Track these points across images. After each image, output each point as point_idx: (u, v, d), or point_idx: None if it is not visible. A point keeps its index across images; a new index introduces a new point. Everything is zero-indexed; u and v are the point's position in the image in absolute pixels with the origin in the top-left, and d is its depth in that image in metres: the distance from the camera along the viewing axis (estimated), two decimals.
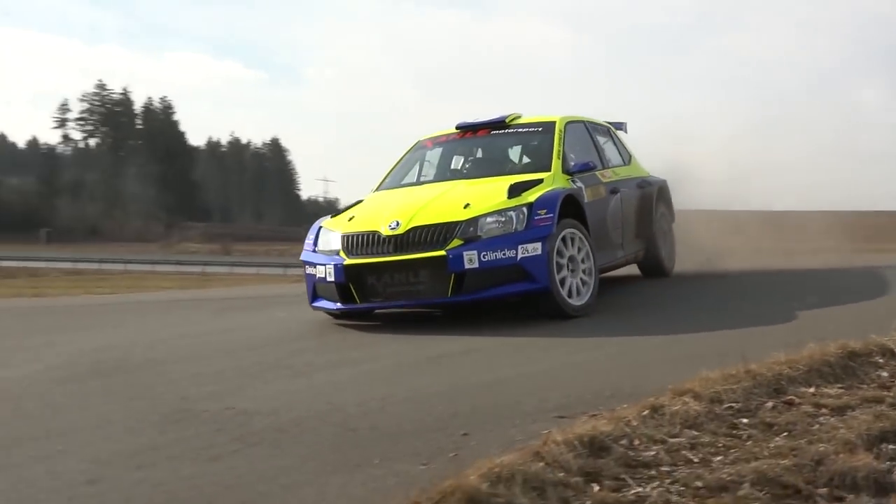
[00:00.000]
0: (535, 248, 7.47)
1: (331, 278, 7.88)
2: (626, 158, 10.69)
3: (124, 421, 4.92)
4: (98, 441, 4.54)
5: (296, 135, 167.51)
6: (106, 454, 4.27)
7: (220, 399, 5.28)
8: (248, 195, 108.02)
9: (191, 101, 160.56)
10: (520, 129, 9.42)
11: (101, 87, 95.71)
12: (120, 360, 6.87)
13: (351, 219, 8.20)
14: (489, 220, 7.58)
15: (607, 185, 9.39)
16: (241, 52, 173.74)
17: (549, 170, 8.58)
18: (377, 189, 9.37)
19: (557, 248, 7.65)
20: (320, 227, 8.36)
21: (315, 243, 8.25)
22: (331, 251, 8.02)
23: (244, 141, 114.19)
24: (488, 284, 7.44)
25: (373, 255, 7.73)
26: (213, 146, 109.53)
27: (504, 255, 7.43)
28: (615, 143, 10.59)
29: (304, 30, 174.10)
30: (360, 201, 8.82)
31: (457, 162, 9.47)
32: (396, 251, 7.63)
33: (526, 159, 9.17)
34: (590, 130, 9.95)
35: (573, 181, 8.59)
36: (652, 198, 10.50)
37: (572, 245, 7.85)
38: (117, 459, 4.18)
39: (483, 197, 7.90)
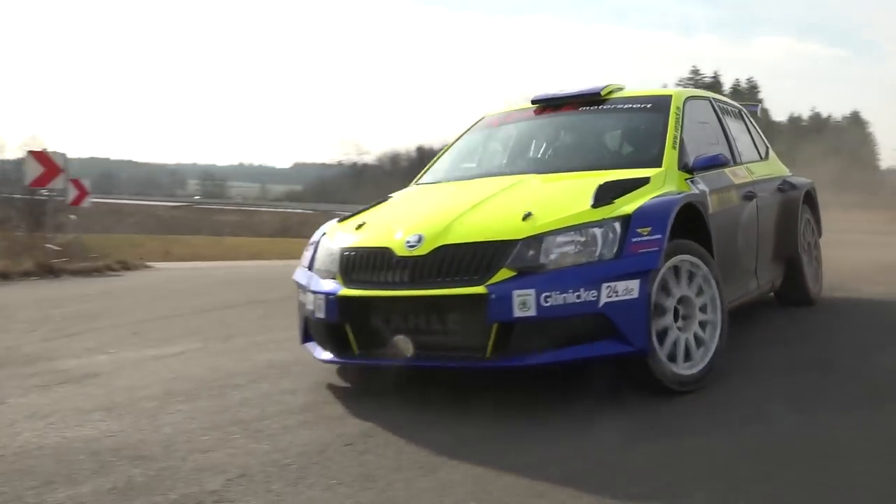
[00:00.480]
0: (628, 289, 4.83)
1: (321, 314, 5.34)
2: (763, 152, 8.07)
3: None
4: None
5: (876, 107, 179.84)
6: None
7: None
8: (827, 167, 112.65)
9: (774, 80, 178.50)
10: (620, 106, 6.67)
11: (695, 72, 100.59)
12: None
13: (360, 225, 5.67)
14: (560, 239, 4.95)
15: (740, 189, 6.73)
16: (824, 33, 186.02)
17: (659, 164, 5.91)
18: (417, 181, 6.83)
19: (664, 283, 5.10)
20: (323, 234, 5.89)
21: (313, 258, 5.76)
22: (328, 272, 5.52)
23: (824, 115, 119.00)
24: (551, 343, 4.81)
25: (380, 284, 5.17)
26: (793, 121, 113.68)
27: (579, 297, 4.77)
28: (750, 131, 7.96)
29: (887, 8, 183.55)
30: (388, 198, 6.33)
31: (530, 148, 6.80)
32: (413, 282, 5.06)
33: (627, 147, 6.46)
34: (718, 112, 7.28)
35: (693, 182, 5.92)
36: (797, 206, 7.83)
37: (688, 281, 5.29)
38: None
39: (555, 203, 5.30)
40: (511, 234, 4.98)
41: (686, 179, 5.88)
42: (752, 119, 8.13)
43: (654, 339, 4.96)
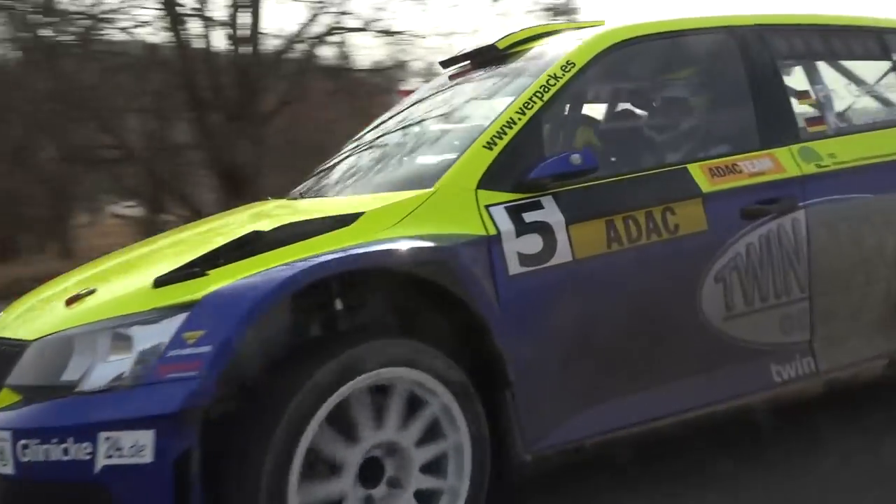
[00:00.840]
0: (137, 447, 2.69)
1: None
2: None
3: None
4: None
5: None
6: None
7: None
8: None
9: None
10: (501, 69, 4.03)
11: None
12: None
13: None
14: (95, 344, 2.87)
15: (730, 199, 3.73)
16: None
17: (436, 179, 3.41)
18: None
19: (348, 418, 2.95)
20: None
21: None
22: None
23: None
24: None
25: None
26: None
27: (66, 452, 2.72)
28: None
29: None
30: None
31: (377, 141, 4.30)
32: None
33: (434, 148, 3.85)
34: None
35: (507, 214, 3.31)
36: None
37: (405, 415, 3.07)
38: None
39: (141, 269, 3.32)
40: (36, 330, 3.03)
41: (489, 207, 3.30)
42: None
43: None
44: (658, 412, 3.51)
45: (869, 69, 4.57)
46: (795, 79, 4.30)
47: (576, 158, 3.38)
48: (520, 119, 3.51)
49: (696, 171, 3.71)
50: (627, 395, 3.46)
